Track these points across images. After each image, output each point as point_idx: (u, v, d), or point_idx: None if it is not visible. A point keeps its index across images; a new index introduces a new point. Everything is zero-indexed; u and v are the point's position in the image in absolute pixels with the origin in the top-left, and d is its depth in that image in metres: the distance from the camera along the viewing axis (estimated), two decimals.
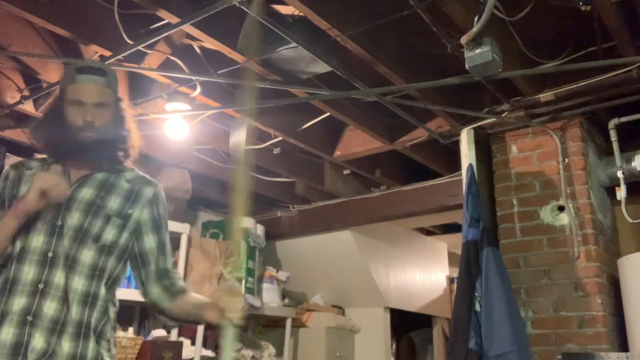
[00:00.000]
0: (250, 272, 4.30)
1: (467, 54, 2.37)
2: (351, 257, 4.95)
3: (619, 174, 3.20)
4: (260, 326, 5.03)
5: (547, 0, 2.42)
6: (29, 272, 1.54)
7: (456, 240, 5.60)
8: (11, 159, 3.42)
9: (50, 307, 1.51)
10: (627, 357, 2.68)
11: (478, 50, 2.34)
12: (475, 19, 2.21)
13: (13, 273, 1.55)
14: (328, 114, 3.38)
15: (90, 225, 1.60)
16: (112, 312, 1.66)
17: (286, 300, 4.89)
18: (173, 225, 3.65)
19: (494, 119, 3.34)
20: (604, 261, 3.15)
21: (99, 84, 1.67)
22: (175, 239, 3.86)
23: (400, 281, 5.39)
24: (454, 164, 3.85)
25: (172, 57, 2.85)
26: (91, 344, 1.54)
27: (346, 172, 4.52)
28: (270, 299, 4.52)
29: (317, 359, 4.71)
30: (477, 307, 2.86)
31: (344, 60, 2.81)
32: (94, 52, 2.75)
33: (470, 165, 3.21)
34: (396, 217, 4.65)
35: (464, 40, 2.33)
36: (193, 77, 2.95)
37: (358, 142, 3.90)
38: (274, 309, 4.52)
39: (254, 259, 4.41)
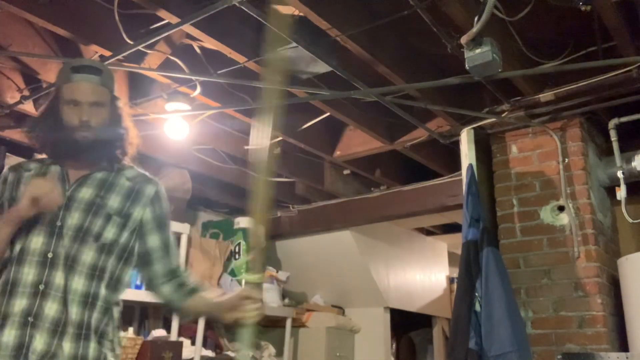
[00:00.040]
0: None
1: (467, 54, 2.37)
2: (351, 257, 4.95)
3: (619, 174, 3.20)
4: (260, 326, 5.02)
5: (547, 0, 2.42)
6: (29, 273, 1.53)
7: (456, 240, 5.59)
8: (11, 159, 3.42)
9: (51, 308, 1.50)
10: (627, 357, 2.68)
11: (478, 50, 2.34)
12: (475, 19, 2.21)
13: (13, 275, 1.54)
14: (328, 114, 3.38)
15: (91, 224, 1.59)
16: (116, 312, 1.65)
17: (286, 300, 4.89)
18: (173, 225, 3.63)
19: (494, 119, 3.34)
20: (604, 261, 3.15)
21: (95, 83, 1.65)
22: (175, 239, 3.86)
23: (400, 281, 5.39)
24: (454, 164, 3.85)
25: (172, 57, 2.85)
26: (92, 344, 1.53)
27: (346, 172, 4.52)
28: (270, 299, 4.52)
29: (317, 359, 4.70)
30: (477, 307, 2.86)
31: (344, 60, 2.81)
32: (94, 52, 2.75)
33: (470, 165, 3.21)
34: (396, 217, 4.65)
35: (464, 40, 2.33)
36: (193, 77, 2.95)
37: (358, 142, 3.90)
38: (274, 309, 4.52)
39: None
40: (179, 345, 3.71)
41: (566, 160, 3.23)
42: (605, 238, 3.27)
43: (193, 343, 3.90)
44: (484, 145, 3.50)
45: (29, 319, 1.49)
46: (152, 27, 2.58)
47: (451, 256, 6.23)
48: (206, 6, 2.28)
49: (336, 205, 4.71)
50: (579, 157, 3.21)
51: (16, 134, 3.40)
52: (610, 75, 2.86)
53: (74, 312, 1.52)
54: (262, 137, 1.65)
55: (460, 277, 3.00)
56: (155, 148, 3.63)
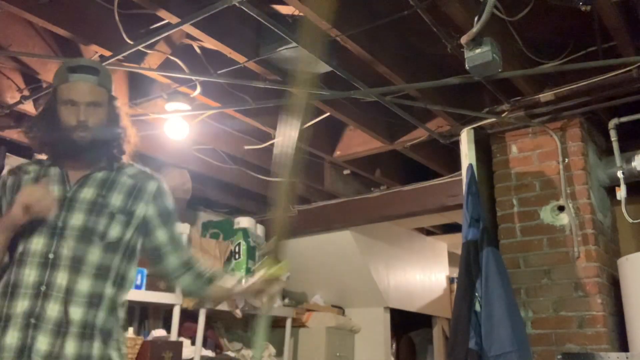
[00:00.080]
0: (250, 272, 4.30)
1: (467, 54, 2.38)
2: (351, 257, 4.95)
3: (619, 174, 3.20)
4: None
5: (547, 0, 2.42)
6: (30, 274, 1.53)
7: (456, 240, 5.59)
8: (11, 159, 3.42)
9: (53, 309, 1.50)
10: (627, 357, 2.68)
11: (478, 50, 2.34)
12: (475, 19, 2.21)
13: (14, 276, 1.54)
14: (328, 114, 3.38)
15: (95, 224, 1.59)
16: (121, 311, 1.65)
17: (286, 300, 4.89)
18: None
19: (494, 119, 3.34)
20: (604, 261, 3.15)
21: (92, 83, 1.65)
22: None
23: (400, 281, 5.39)
24: (454, 164, 3.85)
25: (172, 57, 2.85)
26: (97, 344, 1.53)
27: (346, 172, 4.52)
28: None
29: (317, 359, 4.71)
30: (477, 307, 2.86)
31: (344, 60, 2.81)
32: (94, 52, 2.75)
33: (470, 165, 3.21)
34: (396, 217, 4.65)
35: (464, 40, 2.33)
36: (193, 77, 2.95)
37: (358, 142, 3.90)
38: (274, 309, 4.52)
39: (253, 259, 4.41)
40: (179, 345, 3.71)
41: (566, 160, 3.23)
42: (605, 238, 3.27)
43: (193, 343, 3.90)
44: (484, 145, 3.50)
45: (31, 320, 1.49)
46: (152, 27, 2.58)
47: (451, 256, 6.23)
48: (206, 6, 2.27)
49: (336, 205, 4.71)
50: (579, 157, 3.21)
51: (16, 134, 3.40)
52: (610, 75, 2.86)
53: (78, 312, 1.52)
54: (289, 133, 1.66)
55: (460, 277, 3.00)
56: (155, 148, 3.63)
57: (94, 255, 1.57)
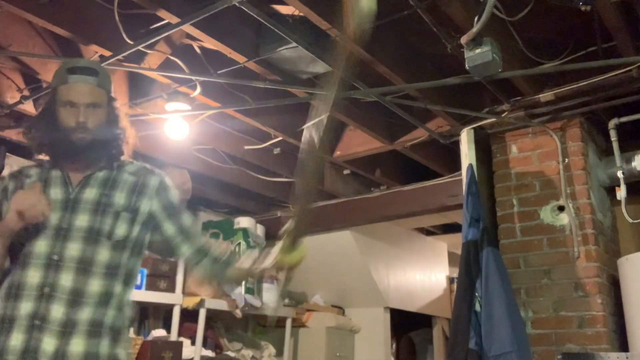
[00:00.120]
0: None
1: (467, 54, 2.38)
2: (351, 257, 4.95)
3: (619, 174, 3.20)
4: (260, 326, 5.03)
5: (547, 0, 2.42)
6: (34, 276, 1.52)
7: (456, 240, 5.59)
8: (11, 159, 3.42)
9: (57, 310, 1.50)
10: (627, 357, 2.68)
11: (478, 50, 2.34)
12: (475, 19, 2.21)
13: (18, 278, 1.54)
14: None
15: (101, 224, 1.59)
16: (128, 309, 1.65)
17: (286, 300, 4.89)
18: None
19: (494, 119, 3.34)
20: (604, 261, 3.15)
21: (91, 84, 1.64)
22: None
23: (400, 281, 5.39)
24: (454, 164, 3.85)
25: (172, 57, 2.85)
26: (104, 342, 1.53)
27: (346, 172, 4.52)
28: (270, 299, 4.52)
29: (317, 359, 4.71)
30: (477, 307, 2.86)
31: None
32: (94, 52, 2.75)
33: (470, 165, 3.21)
34: (396, 217, 4.65)
35: (464, 40, 2.33)
36: (193, 77, 2.95)
37: (358, 142, 3.90)
38: (274, 309, 4.51)
39: None
40: (179, 345, 3.71)
41: (566, 160, 3.23)
42: (605, 238, 3.27)
43: (193, 343, 3.90)
44: (484, 145, 3.50)
45: (36, 321, 1.48)
46: (152, 27, 2.58)
47: (451, 256, 6.23)
48: (206, 6, 2.28)
49: (336, 205, 4.70)
50: (579, 157, 3.21)
51: (16, 134, 3.40)
52: (610, 75, 2.86)
53: (85, 312, 1.52)
54: (321, 113, 1.66)
55: (460, 277, 3.00)
56: (155, 148, 3.62)
57: (103, 255, 1.58)
